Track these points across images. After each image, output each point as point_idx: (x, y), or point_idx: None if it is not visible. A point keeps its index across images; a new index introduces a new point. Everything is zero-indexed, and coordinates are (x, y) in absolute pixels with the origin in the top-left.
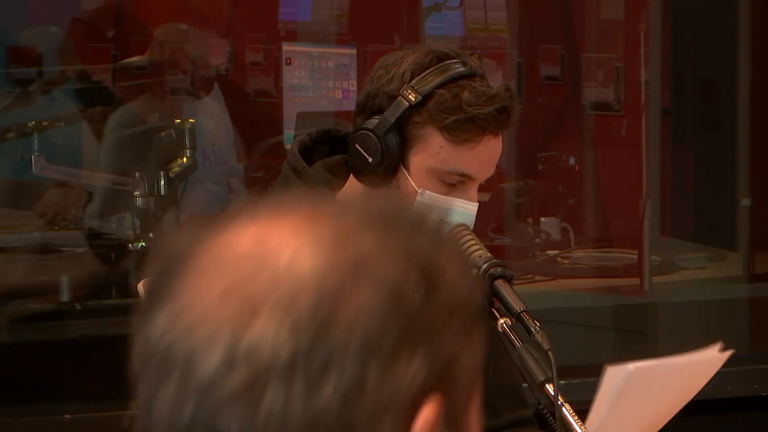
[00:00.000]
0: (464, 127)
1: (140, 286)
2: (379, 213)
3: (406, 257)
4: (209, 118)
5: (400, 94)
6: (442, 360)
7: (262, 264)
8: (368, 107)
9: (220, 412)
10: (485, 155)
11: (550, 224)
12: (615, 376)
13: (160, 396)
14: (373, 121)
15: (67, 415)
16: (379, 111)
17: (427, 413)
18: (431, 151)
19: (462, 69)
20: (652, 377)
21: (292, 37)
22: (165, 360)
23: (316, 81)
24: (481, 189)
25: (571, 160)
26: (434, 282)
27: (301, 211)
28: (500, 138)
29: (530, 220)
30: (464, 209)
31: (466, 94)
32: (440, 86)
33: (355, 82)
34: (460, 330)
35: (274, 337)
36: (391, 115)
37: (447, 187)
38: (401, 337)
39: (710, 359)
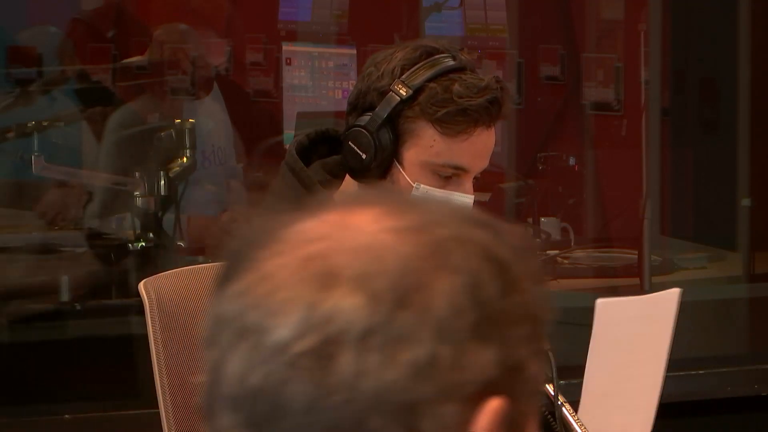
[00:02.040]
0: (456, 119)
1: (141, 287)
2: (461, 211)
3: (485, 253)
4: (209, 119)
5: (390, 90)
6: (512, 362)
7: (342, 241)
8: (360, 105)
9: (288, 378)
10: (478, 147)
11: (550, 224)
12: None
13: (230, 361)
14: (365, 118)
15: (66, 415)
16: (371, 108)
17: (492, 408)
18: (424, 144)
19: (452, 63)
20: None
21: (292, 37)
22: (238, 326)
23: (316, 81)
24: (481, 189)
25: (571, 160)
26: (511, 283)
27: (381, 203)
28: (493, 130)
29: (530, 220)
30: (460, 202)
31: (457, 87)
32: (431, 80)
33: (354, 82)
34: (531, 339)
35: (350, 307)
36: (383, 110)
37: (442, 181)
38: (475, 327)
39: (667, 295)
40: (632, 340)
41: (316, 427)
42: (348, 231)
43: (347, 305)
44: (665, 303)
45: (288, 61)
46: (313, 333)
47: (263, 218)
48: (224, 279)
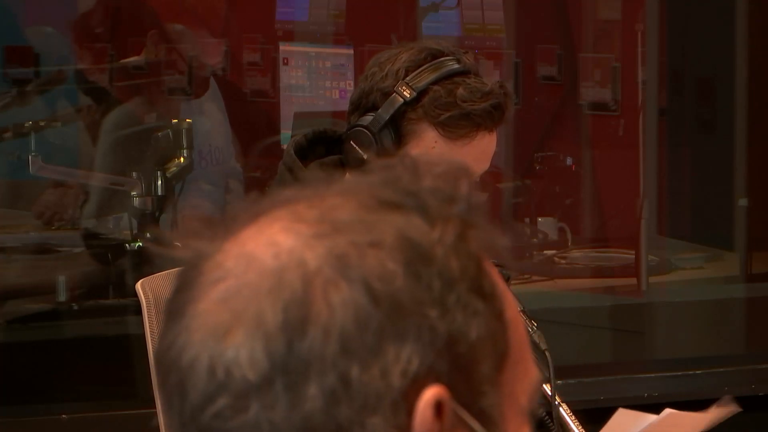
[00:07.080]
0: (459, 123)
1: (138, 286)
2: (369, 189)
3: (389, 241)
4: (206, 118)
5: (394, 91)
6: (441, 341)
7: (241, 276)
8: (362, 104)
9: None
10: (479, 150)
11: (547, 224)
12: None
13: (168, 418)
14: (368, 118)
15: (64, 415)
16: (374, 108)
17: (427, 399)
18: (426, 146)
19: (456, 66)
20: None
21: (289, 37)
22: (169, 385)
23: (313, 81)
24: (479, 189)
25: (569, 160)
26: (423, 261)
27: (278, 214)
28: (494, 134)
29: (527, 220)
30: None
31: (460, 91)
32: (435, 83)
33: (352, 82)
34: (461, 304)
35: (246, 357)
36: (386, 111)
37: None
38: (384, 329)
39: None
40: None
41: None
42: (245, 261)
43: (243, 356)
44: (720, 415)
45: (285, 61)
46: (220, 394)
47: (191, 249)
48: (166, 317)
